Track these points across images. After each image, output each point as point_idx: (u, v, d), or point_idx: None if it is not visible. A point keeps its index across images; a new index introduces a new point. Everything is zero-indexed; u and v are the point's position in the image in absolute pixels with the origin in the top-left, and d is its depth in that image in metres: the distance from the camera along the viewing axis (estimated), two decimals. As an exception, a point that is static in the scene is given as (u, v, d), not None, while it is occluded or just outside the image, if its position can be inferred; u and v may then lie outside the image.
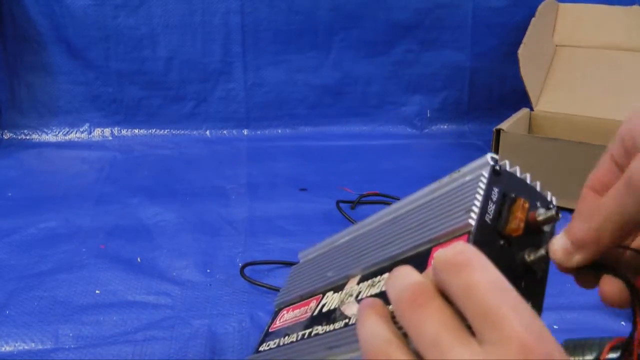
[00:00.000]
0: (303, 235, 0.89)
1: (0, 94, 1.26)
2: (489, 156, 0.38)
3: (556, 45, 1.25)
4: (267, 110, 1.32)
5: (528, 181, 0.39)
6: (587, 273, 0.36)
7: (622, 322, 0.69)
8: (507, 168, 0.39)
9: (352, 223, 0.91)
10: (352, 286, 0.44)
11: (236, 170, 1.13)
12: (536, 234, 0.38)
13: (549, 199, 0.40)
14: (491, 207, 0.37)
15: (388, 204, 0.99)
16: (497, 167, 0.38)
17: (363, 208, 0.98)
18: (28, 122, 1.27)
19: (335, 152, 1.24)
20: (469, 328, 0.27)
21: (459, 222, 0.36)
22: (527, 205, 0.37)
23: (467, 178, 0.39)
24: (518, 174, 0.39)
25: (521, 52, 1.11)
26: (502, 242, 0.36)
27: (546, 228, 0.38)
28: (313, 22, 1.28)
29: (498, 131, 0.99)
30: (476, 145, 1.28)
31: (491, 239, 0.36)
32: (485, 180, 0.37)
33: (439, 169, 1.26)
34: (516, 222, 0.37)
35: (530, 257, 0.36)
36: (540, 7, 1.20)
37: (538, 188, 0.40)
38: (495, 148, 1.00)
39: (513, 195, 0.38)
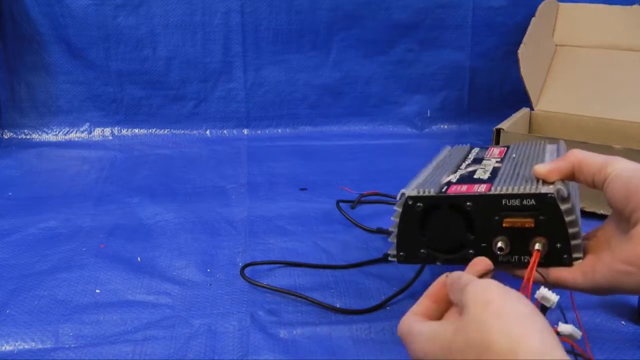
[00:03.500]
0: (303, 235, 0.89)
1: (0, 94, 1.26)
2: (557, 187, 0.53)
3: (556, 45, 1.25)
4: (267, 110, 1.32)
5: (571, 229, 0.53)
6: None
7: (623, 322, 0.69)
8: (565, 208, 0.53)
9: (353, 223, 0.91)
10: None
11: (236, 170, 1.13)
12: (523, 242, 0.54)
13: (571, 255, 0.54)
14: (515, 202, 0.54)
15: (388, 203, 0.99)
16: (551, 196, 0.52)
17: (363, 208, 0.98)
18: (28, 122, 1.27)
19: (335, 152, 1.24)
20: None
21: (482, 188, 0.57)
22: (534, 233, 0.54)
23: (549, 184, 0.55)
24: (566, 218, 0.53)
25: (521, 51, 1.11)
26: (496, 218, 0.55)
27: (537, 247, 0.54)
28: (313, 21, 1.28)
29: (498, 131, 0.99)
30: (477, 145, 1.28)
31: (492, 207, 0.55)
32: (534, 192, 0.53)
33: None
34: (510, 224, 0.54)
35: (495, 245, 0.55)
36: (540, 7, 1.21)
37: (571, 231, 0.53)
38: (495, 148, 1.00)
39: (541, 217, 0.53)
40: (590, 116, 1.12)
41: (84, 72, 1.26)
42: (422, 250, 0.60)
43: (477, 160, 0.70)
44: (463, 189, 0.58)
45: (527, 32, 1.15)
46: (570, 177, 0.55)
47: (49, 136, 1.26)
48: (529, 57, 1.13)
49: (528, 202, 0.53)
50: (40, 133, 1.27)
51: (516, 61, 1.11)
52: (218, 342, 0.66)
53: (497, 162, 0.68)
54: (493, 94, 1.37)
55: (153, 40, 1.25)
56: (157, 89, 1.28)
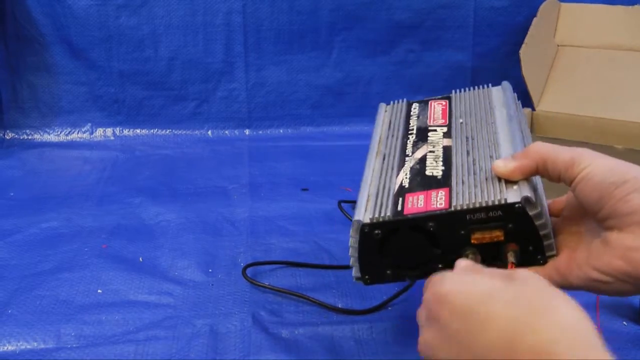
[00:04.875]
0: (305, 235, 0.89)
1: (2, 94, 1.26)
2: (524, 196, 0.48)
3: (558, 45, 1.25)
4: (269, 110, 1.32)
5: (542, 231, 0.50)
6: None
7: (624, 323, 0.69)
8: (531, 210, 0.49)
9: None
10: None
11: (238, 170, 1.14)
12: (493, 250, 0.51)
13: (544, 255, 0.51)
14: (481, 215, 0.50)
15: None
16: (519, 206, 0.48)
17: (365, 208, 0.98)
18: (30, 122, 1.27)
19: (337, 152, 1.24)
20: None
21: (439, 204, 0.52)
22: (504, 243, 0.50)
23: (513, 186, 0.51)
24: (537, 222, 0.49)
25: (523, 52, 1.11)
26: (462, 232, 0.51)
27: (511, 258, 0.50)
28: (315, 22, 1.28)
29: (500, 131, 0.99)
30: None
31: (456, 224, 0.50)
32: (501, 203, 0.49)
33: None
34: (478, 240, 0.50)
35: (466, 256, 0.51)
36: (541, 7, 1.21)
37: (545, 240, 0.50)
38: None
39: (510, 226, 0.49)
40: (592, 116, 1.12)
41: (86, 72, 1.26)
42: (388, 272, 0.55)
43: (422, 134, 0.63)
44: (420, 202, 0.52)
45: (529, 33, 1.15)
46: (534, 174, 0.50)
47: (51, 136, 1.27)
48: (530, 57, 1.13)
49: (494, 213, 0.49)
50: (42, 133, 1.27)
51: (518, 61, 1.11)
52: (220, 342, 0.66)
53: (444, 134, 0.62)
54: (494, 94, 1.37)
55: (155, 41, 1.25)
56: (159, 89, 1.28)
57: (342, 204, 0.96)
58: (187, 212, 0.96)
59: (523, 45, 1.12)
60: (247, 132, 1.32)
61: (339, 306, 0.72)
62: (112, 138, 1.28)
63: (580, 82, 1.18)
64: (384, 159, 0.62)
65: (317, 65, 1.32)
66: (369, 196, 0.56)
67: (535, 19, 1.18)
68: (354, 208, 0.96)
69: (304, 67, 1.31)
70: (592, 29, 1.23)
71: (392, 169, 0.59)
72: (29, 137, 1.26)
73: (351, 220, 0.91)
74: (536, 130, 1.16)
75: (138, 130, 1.29)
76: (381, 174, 0.59)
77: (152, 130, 1.29)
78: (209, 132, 1.31)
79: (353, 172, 1.12)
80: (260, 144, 1.27)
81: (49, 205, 0.98)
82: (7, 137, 1.25)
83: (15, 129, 1.26)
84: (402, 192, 0.55)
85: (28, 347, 0.65)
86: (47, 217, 0.94)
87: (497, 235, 0.50)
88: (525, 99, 1.16)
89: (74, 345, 0.66)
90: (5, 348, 0.65)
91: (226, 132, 1.31)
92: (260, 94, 1.31)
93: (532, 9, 1.22)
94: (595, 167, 0.46)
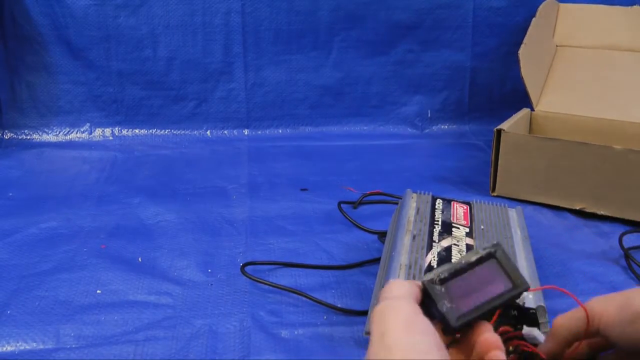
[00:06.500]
0: (304, 235, 0.89)
1: (1, 94, 1.26)
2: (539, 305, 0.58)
3: (557, 46, 1.25)
4: (268, 111, 1.32)
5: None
6: None
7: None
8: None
9: (353, 224, 0.91)
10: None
11: (237, 171, 1.14)
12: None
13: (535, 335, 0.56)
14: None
15: (390, 202, 0.99)
16: (533, 312, 0.58)
17: (365, 208, 0.98)
18: (29, 122, 1.27)
19: (336, 152, 1.24)
20: None
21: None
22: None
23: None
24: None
25: (522, 52, 1.11)
26: None
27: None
28: (314, 22, 1.28)
29: (499, 131, 0.99)
30: (477, 146, 1.28)
31: None
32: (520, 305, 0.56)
33: (439, 169, 1.26)
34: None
35: None
36: (540, 7, 1.21)
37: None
38: (495, 148, 1.00)
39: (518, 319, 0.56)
40: (591, 116, 1.13)
41: (85, 72, 1.26)
42: None
43: (446, 227, 0.72)
44: None
45: (528, 33, 1.15)
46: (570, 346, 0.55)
47: (50, 136, 1.26)
48: (529, 57, 1.13)
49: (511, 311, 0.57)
50: (40, 133, 1.27)
51: (516, 62, 1.11)
52: (219, 342, 0.66)
53: (466, 233, 0.71)
54: (493, 94, 1.38)
55: (154, 41, 1.25)
56: (158, 89, 1.28)
57: (342, 205, 0.96)
58: (186, 212, 0.96)
59: (522, 46, 1.12)
60: (246, 132, 1.32)
61: (339, 306, 0.72)
62: (110, 138, 1.28)
63: (579, 83, 1.18)
64: (413, 238, 0.70)
65: (316, 65, 1.32)
66: (401, 265, 0.65)
67: (534, 19, 1.18)
68: (354, 208, 0.97)
69: (303, 67, 1.32)
70: (591, 30, 1.24)
71: (422, 248, 0.68)
72: (28, 137, 1.26)
73: (350, 221, 0.92)
74: (535, 130, 1.16)
75: (137, 130, 1.29)
76: (412, 250, 0.68)
77: (151, 130, 1.29)
78: (208, 132, 1.31)
79: (352, 172, 1.13)
80: (260, 144, 1.27)
81: (47, 205, 0.98)
82: (6, 137, 1.25)
83: (14, 129, 1.26)
84: (430, 270, 0.62)
85: (27, 347, 0.65)
86: (46, 217, 0.94)
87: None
88: (524, 99, 1.16)
89: (73, 346, 0.66)
90: (5, 349, 0.65)
91: (225, 132, 1.31)
92: (259, 94, 1.31)
93: (531, 9, 1.22)
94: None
